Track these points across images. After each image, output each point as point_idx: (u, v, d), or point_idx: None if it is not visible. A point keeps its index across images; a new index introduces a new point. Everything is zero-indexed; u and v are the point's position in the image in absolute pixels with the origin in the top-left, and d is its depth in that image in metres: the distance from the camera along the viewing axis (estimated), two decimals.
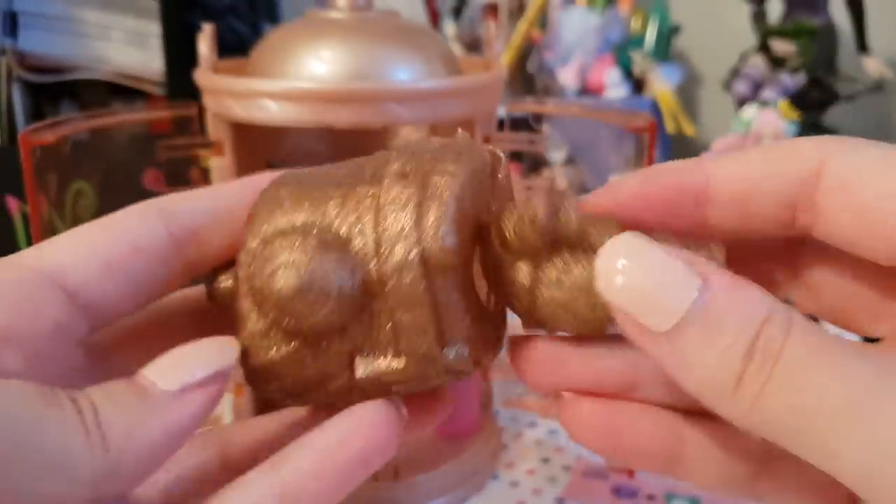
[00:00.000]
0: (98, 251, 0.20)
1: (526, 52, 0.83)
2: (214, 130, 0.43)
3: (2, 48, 0.58)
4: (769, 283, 0.21)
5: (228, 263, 0.22)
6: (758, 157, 0.19)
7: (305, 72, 0.39)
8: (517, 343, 0.21)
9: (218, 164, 0.44)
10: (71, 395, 0.17)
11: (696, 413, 0.20)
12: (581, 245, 0.19)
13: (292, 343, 0.20)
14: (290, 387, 0.20)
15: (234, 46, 0.62)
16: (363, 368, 0.19)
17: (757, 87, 0.75)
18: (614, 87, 0.79)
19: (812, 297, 0.21)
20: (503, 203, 0.21)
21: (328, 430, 0.19)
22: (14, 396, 0.16)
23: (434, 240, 0.19)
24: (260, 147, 0.47)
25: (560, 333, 0.20)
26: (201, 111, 0.44)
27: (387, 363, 0.19)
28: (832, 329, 0.20)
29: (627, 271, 0.17)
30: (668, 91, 0.80)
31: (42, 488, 0.16)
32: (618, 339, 0.19)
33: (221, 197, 0.22)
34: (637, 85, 0.82)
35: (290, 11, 0.69)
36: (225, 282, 0.22)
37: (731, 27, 0.82)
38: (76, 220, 0.48)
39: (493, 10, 0.84)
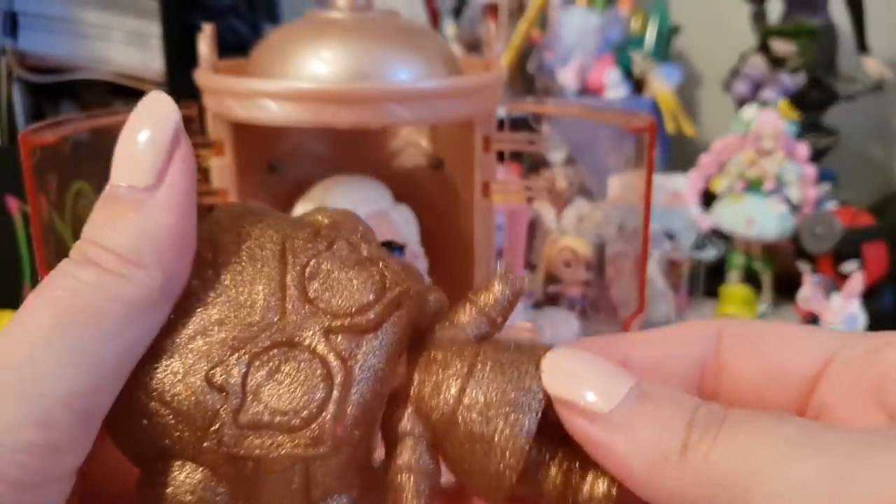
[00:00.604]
0: None
1: (526, 52, 0.83)
2: (215, 130, 0.43)
3: (2, 48, 0.58)
4: None
5: None
6: (668, 335, 0.21)
7: (306, 72, 0.39)
8: None
9: (218, 163, 0.44)
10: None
11: None
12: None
13: None
14: None
15: (235, 46, 0.63)
16: None
17: (757, 87, 0.75)
18: (614, 87, 0.79)
19: None
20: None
21: None
22: None
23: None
24: (260, 147, 0.47)
25: None
26: (201, 111, 0.44)
27: None
28: None
29: (569, 365, 0.18)
30: (668, 91, 0.80)
31: None
32: None
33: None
34: (637, 85, 0.82)
35: (290, 11, 0.69)
36: None
37: (730, 27, 0.82)
38: (76, 221, 0.48)
39: (493, 10, 0.84)
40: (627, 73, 0.81)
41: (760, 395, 0.20)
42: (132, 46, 0.61)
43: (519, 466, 0.18)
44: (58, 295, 0.16)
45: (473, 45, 0.84)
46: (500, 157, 0.47)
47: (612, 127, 0.46)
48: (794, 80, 0.73)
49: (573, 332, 0.57)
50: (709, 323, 0.21)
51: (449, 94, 0.40)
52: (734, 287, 0.61)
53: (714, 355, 0.20)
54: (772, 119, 0.65)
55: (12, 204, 0.51)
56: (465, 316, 0.22)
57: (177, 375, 0.17)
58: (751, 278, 0.68)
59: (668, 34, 0.85)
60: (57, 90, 0.60)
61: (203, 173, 0.46)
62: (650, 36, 0.84)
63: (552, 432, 0.19)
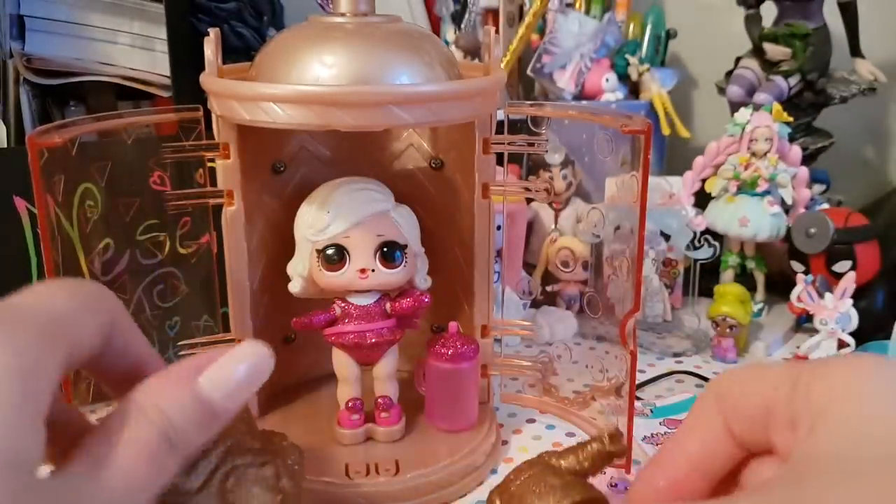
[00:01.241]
0: None
1: (525, 56, 0.84)
2: (220, 133, 0.44)
3: (9, 51, 0.59)
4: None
5: None
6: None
7: (309, 76, 0.40)
8: None
9: (223, 165, 0.44)
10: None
11: None
12: None
13: None
14: None
15: (239, 51, 0.63)
16: None
17: (751, 90, 0.76)
18: (611, 90, 0.80)
19: None
20: None
21: None
22: None
23: None
24: (264, 149, 0.48)
25: None
26: (207, 114, 0.45)
27: None
28: None
29: None
30: (664, 94, 0.81)
31: None
32: None
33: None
34: (633, 89, 0.83)
35: (293, 16, 0.70)
36: None
37: (725, 31, 0.83)
38: (83, 222, 0.49)
39: (492, 15, 0.85)
40: (624, 77, 0.82)
41: None
42: (138, 50, 0.61)
43: None
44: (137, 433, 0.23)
45: (473, 50, 0.85)
46: (500, 158, 0.48)
47: (609, 130, 0.47)
48: (787, 84, 0.74)
49: (570, 331, 0.58)
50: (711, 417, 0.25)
51: (449, 97, 0.41)
52: (728, 286, 0.62)
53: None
54: (765, 121, 0.66)
55: (20, 205, 0.51)
56: (566, 461, 0.35)
57: None
58: (745, 278, 0.69)
59: (664, 38, 0.86)
60: (64, 93, 0.61)
61: (209, 175, 0.47)
62: (646, 40, 0.85)
63: None
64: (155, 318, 0.53)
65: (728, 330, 0.60)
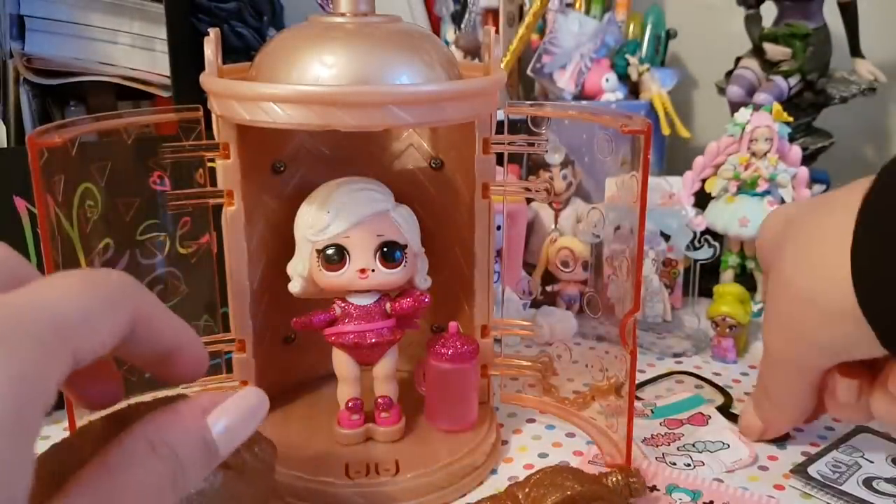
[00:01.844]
0: None
1: (525, 56, 0.84)
2: (220, 133, 0.44)
3: (9, 51, 0.59)
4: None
5: None
6: None
7: (309, 75, 0.40)
8: None
9: (223, 165, 0.44)
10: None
11: None
12: None
13: None
14: None
15: (239, 51, 0.63)
16: None
17: (751, 90, 0.76)
18: (611, 90, 0.80)
19: None
20: None
21: None
22: None
23: None
24: (264, 149, 0.48)
25: None
26: (207, 114, 0.45)
27: None
28: None
29: None
30: (664, 94, 0.81)
31: None
32: None
33: None
34: (633, 89, 0.83)
35: (293, 16, 0.70)
36: None
37: (725, 31, 0.83)
38: (83, 222, 0.49)
39: (492, 15, 0.85)
40: (624, 77, 0.82)
41: None
42: (138, 50, 0.61)
43: None
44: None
45: (473, 50, 0.85)
46: (500, 158, 0.48)
47: (609, 130, 0.47)
48: (787, 84, 0.74)
49: (570, 331, 0.58)
50: None
51: (449, 97, 0.41)
52: (728, 286, 0.62)
53: None
54: (765, 121, 0.66)
55: (20, 205, 0.51)
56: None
57: None
58: (745, 278, 0.69)
59: (664, 38, 0.86)
60: (64, 93, 0.61)
61: (209, 175, 0.47)
62: (646, 40, 0.85)
63: None
64: None
65: (728, 330, 0.60)
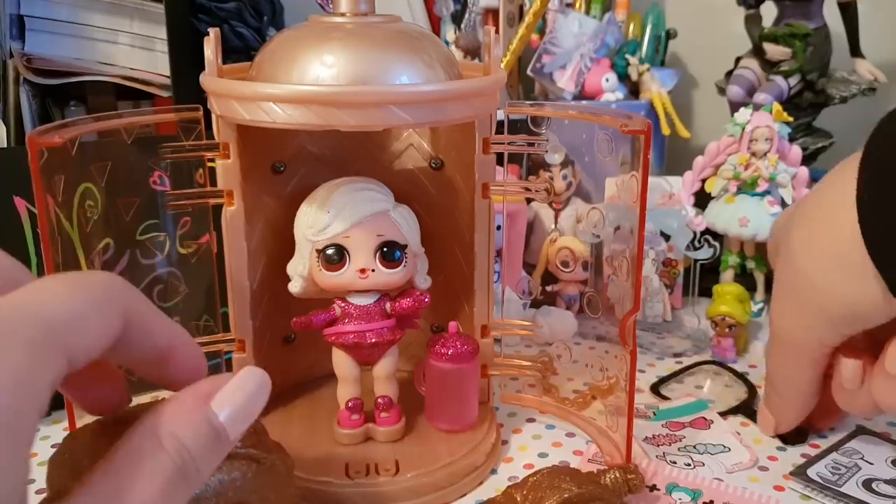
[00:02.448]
0: None
1: (525, 56, 0.84)
2: (220, 133, 0.44)
3: (9, 51, 0.59)
4: None
5: None
6: None
7: (309, 76, 0.40)
8: None
9: (223, 165, 0.44)
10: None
11: None
12: None
13: None
14: None
15: (239, 51, 0.63)
16: None
17: (751, 90, 0.76)
18: (611, 90, 0.80)
19: None
20: None
21: None
22: None
23: None
24: (264, 149, 0.48)
25: None
26: (207, 114, 0.45)
27: None
28: None
29: None
30: (664, 94, 0.81)
31: None
32: None
33: None
34: (633, 89, 0.83)
35: (293, 17, 0.70)
36: None
37: (725, 31, 0.83)
38: (83, 222, 0.49)
39: (492, 15, 0.85)
40: (624, 77, 0.82)
41: None
42: (138, 50, 0.61)
43: None
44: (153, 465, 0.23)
45: (473, 50, 0.85)
46: (500, 158, 0.48)
47: (608, 130, 0.47)
48: (787, 84, 0.74)
49: (570, 331, 0.58)
50: None
51: (449, 97, 0.41)
52: (727, 286, 0.62)
53: None
54: (765, 121, 0.66)
55: (20, 205, 0.51)
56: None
57: None
58: (745, 278, 0.69)
59: (664, 38, 0.86)
60: (64, 93, 0.61)
61: (209, 175, 0.47)
62: (646, 40, 0.85)
63: None
64: None
65: (727, 329, 0.60)
